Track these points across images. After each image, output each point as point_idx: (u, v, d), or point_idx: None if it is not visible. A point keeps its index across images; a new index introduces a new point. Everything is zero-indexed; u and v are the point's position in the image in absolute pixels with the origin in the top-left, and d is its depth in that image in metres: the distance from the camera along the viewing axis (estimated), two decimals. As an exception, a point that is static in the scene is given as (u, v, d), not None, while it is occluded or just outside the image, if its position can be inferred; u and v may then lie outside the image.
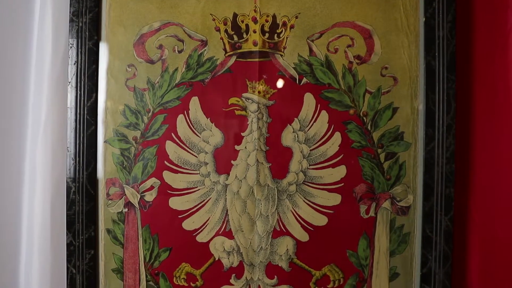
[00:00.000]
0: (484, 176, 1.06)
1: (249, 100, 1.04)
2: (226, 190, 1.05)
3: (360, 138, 1.03)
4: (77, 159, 1.06)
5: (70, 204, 1.06)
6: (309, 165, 1.04)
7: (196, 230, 1.05)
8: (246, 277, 1.05)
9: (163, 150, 1.05)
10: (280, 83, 1.03)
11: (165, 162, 1.05)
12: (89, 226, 1.06)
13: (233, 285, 1.05)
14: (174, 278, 1.07)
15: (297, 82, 1.04)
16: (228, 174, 1.05)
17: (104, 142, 1.07)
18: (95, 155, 1.07)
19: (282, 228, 1.05)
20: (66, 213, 1.06)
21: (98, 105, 1.06)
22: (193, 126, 1.05)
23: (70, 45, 1.06)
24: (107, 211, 1.07)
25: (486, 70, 1.05)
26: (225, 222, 1.05)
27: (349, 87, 1.03)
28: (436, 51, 1.02)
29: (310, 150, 1.04)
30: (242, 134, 1.04)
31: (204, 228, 1.05)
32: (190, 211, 1.05)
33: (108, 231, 1.07)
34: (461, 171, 1.06)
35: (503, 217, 1.05)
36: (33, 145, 1.10)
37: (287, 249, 1.04)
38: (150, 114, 1.06)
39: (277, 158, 1.04)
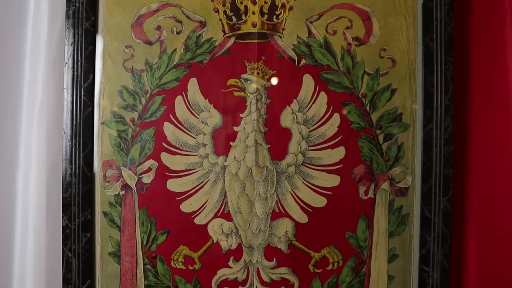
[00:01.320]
0: (482, 157, 1.06)
1: (248, 81, 1.03)
2: (225, 171, 1.04)
3: (359, 119, 1.03)
4: (74, 141, 1.04)
5: (66, 186, 1.04)
6: (308, 146, 1.04)
7: (194, 212, 1.04)
8: (244, 260, 1.05)
9: (161, 131, 1.04)
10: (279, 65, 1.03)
11: (163, 143, 1.04)
12: (86, 209, 1.05)
13: (231, 267, 1.04)
14: (172, 261, 1.05)
15: (296, 63, 1.04)
16: (227, 156, 1.04)
17: (101, 123, 1.06)
18: (92, 136, 1.05)
19: (281, 209, 1.04)
20: (62, 196, 1.04)
21: (95, 86, 1.05)
22: (191, 108, 1.04)
23: (67, 26, 1.05)
24: (103, 193, 1.06)
25: (484, 52, 1.06)
26: (224, 204, 1.04)
27: (347, 69, 1.04)
28: (434, 33, 1.03)
29: (309, 131, 1.04)
30: (241, 115, 1.04)
31: (202, 210, 1.05)
32: (188, 193, 1.05)
33: (105, 214, 1.06)
34: (459, 152, 1.07)
35: (501, 198, 1.05)
36: (28, 127, 1.08)
37: (286, 231, 1.04)
38: (148, 95, 1.05)
39: (276, 139, 1.04)
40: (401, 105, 1.04)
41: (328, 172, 1.03)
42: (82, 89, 1.05)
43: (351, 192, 1.03)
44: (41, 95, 1.07)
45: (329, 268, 1.04)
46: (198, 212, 1.04)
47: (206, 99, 1.04)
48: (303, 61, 1.04)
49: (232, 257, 1.05)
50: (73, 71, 1.04)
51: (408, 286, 1.05)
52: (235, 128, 1.04)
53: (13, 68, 1.09)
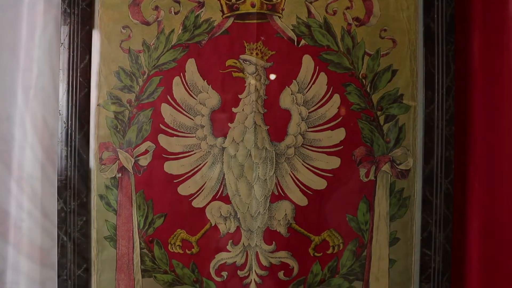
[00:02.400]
0: (484, 138, 1.05)
1: (247, 62, 1.02)
2: (223, 153, 1.02)
3: (360, 100, 1.02)
4: (69, 122, 1.03)
5: (62, 169, 1.03)
6: (308, 128, 1.02)
7: (192, 195, 1.02)
8: (243, 243, 1.03)
9: (159, 113, 1.03)
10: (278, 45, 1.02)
11: (160, 125, 1.03)
12: (81, 192, 1.03)
13: (230, 251, 1.03)
14: (169, 245, 1.03)
15: (296, 44, 1.02)
16: (225, 137, 1.02)
17: (98, 105, 1.04)
18: (88, 118, 1.03)
19: (281, 192, 1.02)
20: (57, 179, 1.03)
21: (92, 67, 1.04)
22: (189, 89, 1.03)
23: (63, 6, 1.03)
24: (99, 176, 1.04)
25: (486, 32, 1.05)
26: (222, 186, 1.03)
27: (348, 49, 1.02)
28: (435, 13, 1.02)
29: (309, 113, 1.02)
30: (240, 96, 1.02)
31: (200, 193, 1.03)
32: (186, 176, 1.03)
33: (101, 197, 1.04)
34: (460, 133, 1.05)
35: (503, 179, 1.04)
36: (23, 108, 1.07)
37: (286, 214, 1.02)
38: (145, 76, 1.03)
39: (275, 121, 1.02)
40: (402, 86, 1.02)
41: (328, 154, 1.02)
42: (78, 70, 1.03)
43: (352, 174, 1.02)
44: (36, 76, 1.05)
45: (329, 251, 1.03)
46: (196, 195, 1.02)
47: (204, 80, 1.02)
48: (302, 42, 1.02)
49: (230, 241, 1.03)
50: (69, 52, 1.03)
51: (410, 269, 1.03)
52: (234, 110, 1.02)
53: (9, 49, 1.08)
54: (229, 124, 1.02)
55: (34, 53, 1.06)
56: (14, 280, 0.97)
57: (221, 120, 1.02)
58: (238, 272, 1.02)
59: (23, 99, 1.07)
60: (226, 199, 1.02)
